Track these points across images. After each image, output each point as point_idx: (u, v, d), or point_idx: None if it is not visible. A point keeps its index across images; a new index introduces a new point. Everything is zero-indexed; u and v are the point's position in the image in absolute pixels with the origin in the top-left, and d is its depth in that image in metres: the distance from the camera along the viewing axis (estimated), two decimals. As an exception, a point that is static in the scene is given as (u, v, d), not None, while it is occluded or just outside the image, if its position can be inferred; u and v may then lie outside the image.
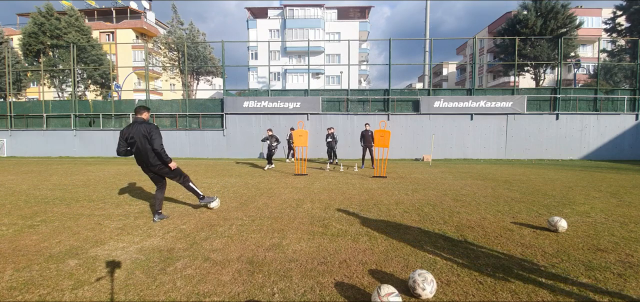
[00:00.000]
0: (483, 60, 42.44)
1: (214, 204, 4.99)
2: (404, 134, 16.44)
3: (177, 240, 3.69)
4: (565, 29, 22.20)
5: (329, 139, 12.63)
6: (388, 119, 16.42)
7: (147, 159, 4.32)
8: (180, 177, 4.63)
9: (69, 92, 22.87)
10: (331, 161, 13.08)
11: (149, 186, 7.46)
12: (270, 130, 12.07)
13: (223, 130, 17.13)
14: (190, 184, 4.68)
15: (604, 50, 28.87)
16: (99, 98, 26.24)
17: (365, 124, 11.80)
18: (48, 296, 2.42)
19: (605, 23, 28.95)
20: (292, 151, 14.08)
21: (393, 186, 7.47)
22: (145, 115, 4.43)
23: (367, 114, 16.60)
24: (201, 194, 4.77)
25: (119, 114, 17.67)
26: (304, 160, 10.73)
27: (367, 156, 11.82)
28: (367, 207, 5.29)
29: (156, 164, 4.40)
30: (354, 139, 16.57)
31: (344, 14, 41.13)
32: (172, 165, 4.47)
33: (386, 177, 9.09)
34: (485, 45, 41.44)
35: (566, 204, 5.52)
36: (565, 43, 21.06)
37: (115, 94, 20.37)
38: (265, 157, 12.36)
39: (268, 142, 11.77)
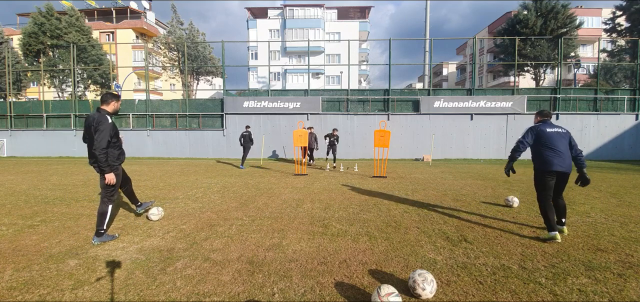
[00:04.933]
0: (483, 60, 42.40)
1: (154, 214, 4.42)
2: (404, 134, 16.44)
3: (177, 240, 3.69)
4: (565, 29, 22.19)
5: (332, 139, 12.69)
6: (388, 119, 16.42)
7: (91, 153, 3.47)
8: (108, 192, 3.64)
9: (69, 92, 22.87)
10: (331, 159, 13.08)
11: (149, 186, 7.45)
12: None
13: (223, 130, 17.13)
14: (110, 207, 3.66)
15: (604, 50, 28.86)
16: (99, 98, 26.22)
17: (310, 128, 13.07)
18: (48, 296, 2.42)
19: (605, 23, 28.92)
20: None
21: (393, 186, 7.47)
22: (111, 106, 3.61)
23: (367, 114, 16.60)
24: (103, 230, 3.59)
25: (119, 114, 17.67)
26: (304, 160, 10.73)
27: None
28: (367, 207, 5.29)
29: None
30: (354, 139, 16.59)
31: (344, 14, 41.12)
32: (109, 178, 3.50)
33: (386, 177, 9.09)
34: (485, 45, 41.42)
35: (566, 204, 5.50)
36: (565, 43, 21.04)
37: (115, 94, 20.36)
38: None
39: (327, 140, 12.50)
